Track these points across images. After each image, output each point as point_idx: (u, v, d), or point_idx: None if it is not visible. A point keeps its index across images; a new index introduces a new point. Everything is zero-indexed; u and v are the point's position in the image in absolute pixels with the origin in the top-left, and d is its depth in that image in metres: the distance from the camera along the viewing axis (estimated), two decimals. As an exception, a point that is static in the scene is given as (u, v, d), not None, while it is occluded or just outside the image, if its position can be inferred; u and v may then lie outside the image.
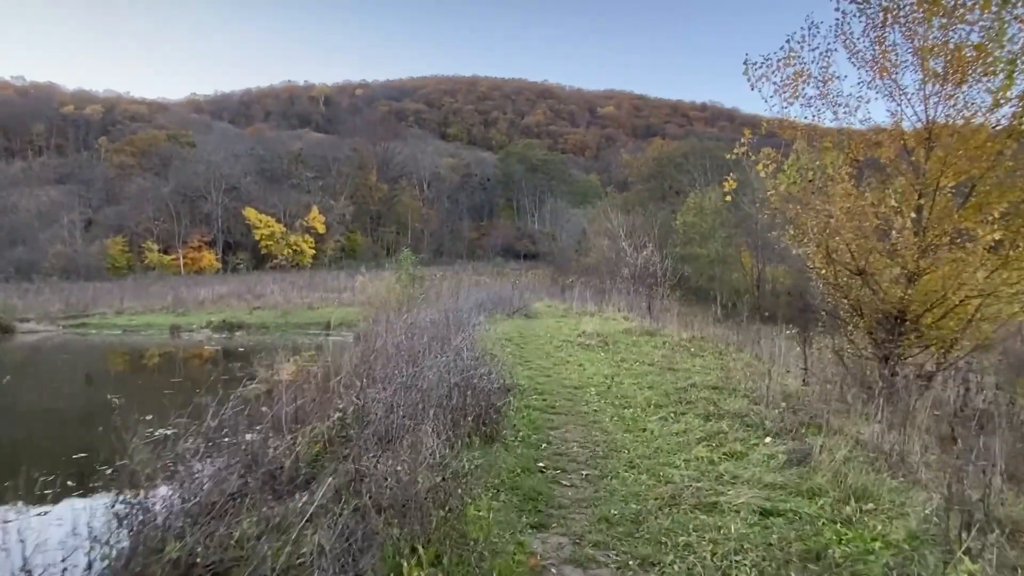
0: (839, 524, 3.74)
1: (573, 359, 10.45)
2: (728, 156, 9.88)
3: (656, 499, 4.20)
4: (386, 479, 3.66)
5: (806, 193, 8.95)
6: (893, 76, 8.50)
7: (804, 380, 8.43)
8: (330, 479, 3.51)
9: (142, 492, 3.44)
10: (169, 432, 4.09)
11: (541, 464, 4.87)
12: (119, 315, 36.21)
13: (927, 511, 3.79)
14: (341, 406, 4.76)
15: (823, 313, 10.06)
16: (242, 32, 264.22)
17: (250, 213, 68.96)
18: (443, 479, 3.75)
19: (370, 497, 3.49)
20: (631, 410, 6.80)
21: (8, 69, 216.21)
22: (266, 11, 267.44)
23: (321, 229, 72.44)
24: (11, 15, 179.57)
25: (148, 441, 3.74)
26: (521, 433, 5.69)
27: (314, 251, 71.44)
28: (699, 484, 4.42)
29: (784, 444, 5.35)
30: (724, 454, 5.15)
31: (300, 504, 3.29)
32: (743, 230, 42.12)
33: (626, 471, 4.75)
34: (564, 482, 4.58)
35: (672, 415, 6.53)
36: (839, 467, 4.55)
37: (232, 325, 30.87)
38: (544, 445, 5.42)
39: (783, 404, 6.61)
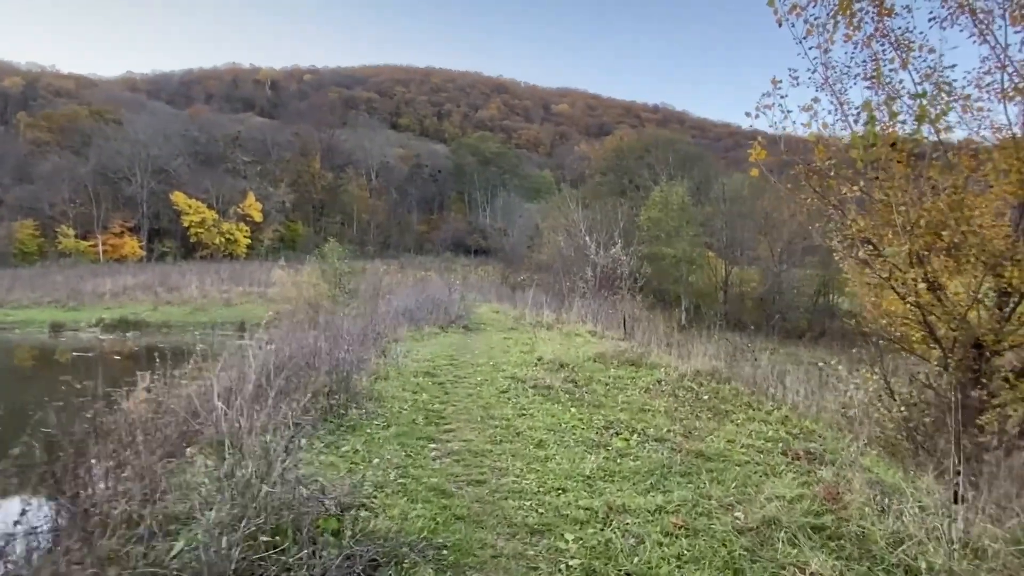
0: None
1: (526, 426, 6.13)
2: (747, 115, 6.97)
3: None
4: None
5: (890, 161, 5.93)
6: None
7: (956, 493, 3.81)
8: None
9: None
10: None
11: None
12: (-2, 309, 31.17)
13: None
14: None
15: (881, 341, 7.09)
16: (184, 9, 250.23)
17: (178, 198, 63.35)
18: None
19: None
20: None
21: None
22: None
23: (258, 217, 67.36)
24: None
25: None
26: None
27: (249, 240, 66.21)
28: None
29: None
30: None
31: None
32: (708, 228, 39.88)
33: None
34: None
35: None
36: None
37: (128, 323, 26.35)
38: None
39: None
